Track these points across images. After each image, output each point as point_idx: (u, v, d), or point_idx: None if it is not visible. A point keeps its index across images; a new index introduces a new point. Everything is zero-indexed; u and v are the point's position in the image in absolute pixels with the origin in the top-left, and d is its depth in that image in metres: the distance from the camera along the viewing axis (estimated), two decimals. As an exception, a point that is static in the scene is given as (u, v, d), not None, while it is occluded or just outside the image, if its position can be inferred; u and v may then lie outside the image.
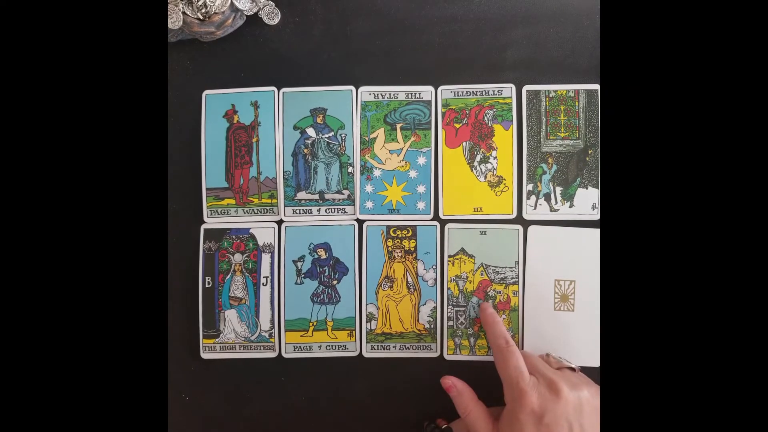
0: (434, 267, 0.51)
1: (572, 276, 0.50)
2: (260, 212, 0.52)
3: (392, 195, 0.52)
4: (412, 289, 0.51)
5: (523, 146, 0.51)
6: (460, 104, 0.52)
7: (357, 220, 0.52)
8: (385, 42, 0.52)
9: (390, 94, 0.52)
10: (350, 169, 0.52)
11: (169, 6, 0.48)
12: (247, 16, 0.52)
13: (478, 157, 0.51)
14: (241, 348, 0.51)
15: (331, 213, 0.52)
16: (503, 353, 0.44)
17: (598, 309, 0.49)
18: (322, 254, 0.51)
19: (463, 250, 0.51)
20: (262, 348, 0.51)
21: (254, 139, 0.52)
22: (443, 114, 0.52)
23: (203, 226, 0.52)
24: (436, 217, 0.51)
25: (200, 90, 0.52)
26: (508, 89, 0.52)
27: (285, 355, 0.51)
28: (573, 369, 0.45)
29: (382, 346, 0.51)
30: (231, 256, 0.52)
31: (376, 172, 0.52)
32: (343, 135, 0.52)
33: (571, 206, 0.51)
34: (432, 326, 0.51)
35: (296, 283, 0.51)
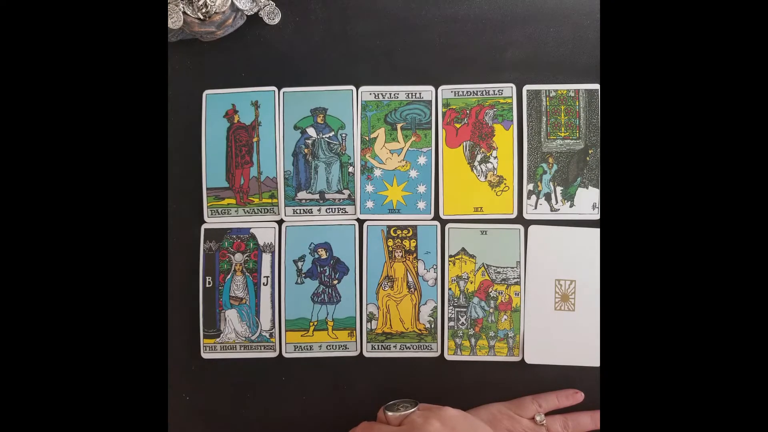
0: (435, 267, 0.51)
1: (572, 276, 0.50)
2: (261, 212, 0.52)
3: (393, 195, 0.52)
4: (412, 289, 0.51)
5: (524, 146, 0.51)
6: (461, 104, 0.52)
7: (357, 219, 0.52)
8: (385, 42, 0.52)
9: (390, 94, 0.52)
10: (351, 169, 0.52)
11: (170, 6, 0.48)
12: (247, 15, 0.52)
13: (479, 157, 0.51)
14: (242, 348, 0.51)
15: (331, 213, 0.52)
16: None
17: (598, 309, 0.49)
18: (323, 254, 0.51)
19: (463, 250, 0.51)
20: (262, 348, 0.51)
21: (255, 139, 0.52)
22: (444, 114, 0.52)
23: (204, 226, 0.52)
24: (436, 217, 0.51)
25: (200, 90, 0.52)
26: (509, 89, 0.52)
27: (285, 355, 0.51)
28: (415, 404, 0.43)
29: (382, 345, 0.51)
30: (231, 256, 0.52)
31: (377, 172, 0.52)
32: (343, 135, 0.52)
33: (571, 206, 0.51)
34: (432, 326, 0.51)
35: (297, 283, 0.51)
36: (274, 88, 0.52)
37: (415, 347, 0.51)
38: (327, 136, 0.52)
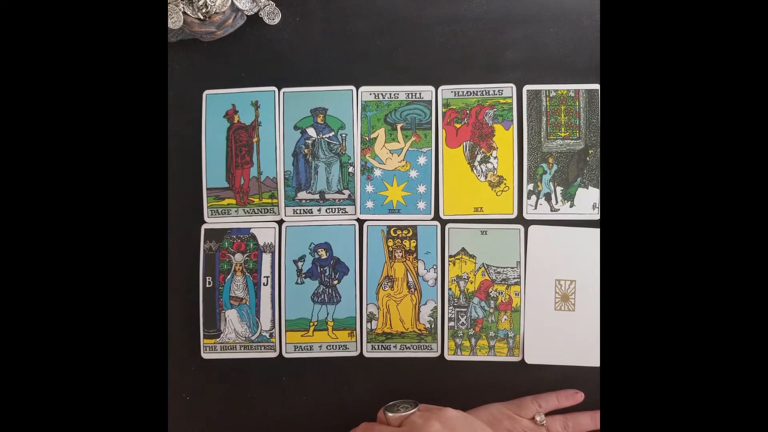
0: (435, 267, 0.51)
1: (572, 276, 0.50)
2: (261, 212, 0.52)
3: (393, 195, 0.52)
4: (412, 289, 0.51)
5: (524, 146, 0.51)
6: (461, 104, 0.52)
7: (357, 219, 0.52)
8: (385, 42, 0.52)
9: (390, 94, 0.52)
10: (351, 169, 0.52)
11: (170, 6, 0.48)
12: (247, 16, 0.52)
13: (479, 157, 0.51)
14: (242, 348, 0.51)
15: (331, 213, 0.52)
16: None
17: (598, 309, 0.49)
18: (323, 254, 0.51)
19: (464, 250, 0.51)
20: (262, 348, 0.51)
21: (255, 139, 0.52)
22: (444, 114, 0.52)
23: (204, 226, 0.52)
24: (436, 217, 0.51)
25: (200, 90, 0.52)
26: (509, 89, 0.52)
27: (285, 355, 0.51)
28: (416, 405, 0.43)
29: (382, 345, 0.51)
30: (232, 256, 0.52)
31: (377, 172, 0.52)
32: (343, 135, 0.52)
33: (571, 206, 0.51)
34: (432, 326, 0.51)
35: (297, 283, 0.51)
36: (274, 88, 0.52)
37: (415, 347, 0.51)
38: (327, 136, 0.52)
